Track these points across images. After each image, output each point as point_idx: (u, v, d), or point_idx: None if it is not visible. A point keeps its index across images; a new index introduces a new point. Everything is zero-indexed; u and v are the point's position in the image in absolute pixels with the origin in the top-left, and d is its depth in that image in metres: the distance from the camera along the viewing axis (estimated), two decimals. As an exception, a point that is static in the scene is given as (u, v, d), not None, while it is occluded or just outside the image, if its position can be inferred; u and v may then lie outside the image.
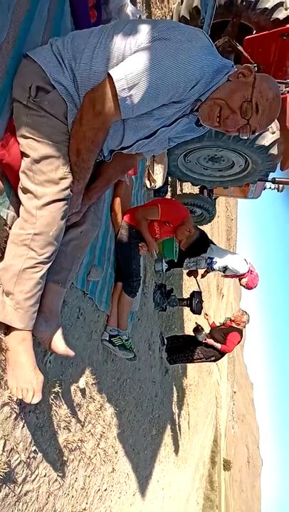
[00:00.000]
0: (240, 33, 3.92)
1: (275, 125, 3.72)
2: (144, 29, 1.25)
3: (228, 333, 5.02)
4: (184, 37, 1.21)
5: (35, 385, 1.32)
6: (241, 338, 5.16)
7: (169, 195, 5.51)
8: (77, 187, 1.35)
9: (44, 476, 1.74)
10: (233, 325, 5.08)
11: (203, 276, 5.27)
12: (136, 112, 1.26)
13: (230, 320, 5.17)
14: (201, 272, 5.25)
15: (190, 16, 4.02)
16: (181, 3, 4.12)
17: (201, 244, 3.51)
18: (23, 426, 1.52)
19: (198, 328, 5.09)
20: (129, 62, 1.20)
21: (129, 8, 2.15)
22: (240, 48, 3.83)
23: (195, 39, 1.23)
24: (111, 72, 1.20)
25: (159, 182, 4.17)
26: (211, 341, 5.03)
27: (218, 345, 5.02)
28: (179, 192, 6.49)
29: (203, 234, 3.51)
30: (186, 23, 4.00)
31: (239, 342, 5.20)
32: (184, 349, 5.28)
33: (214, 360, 5.52)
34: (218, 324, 5.45)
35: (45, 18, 1.48)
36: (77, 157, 1.30)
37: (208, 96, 1.30)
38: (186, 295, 6.50)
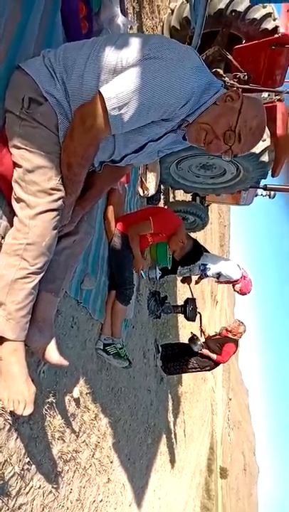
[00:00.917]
0: (229, 42, 3.98)
1: (265, 133, 3.76)
2: (136, 45, 1.27)
3: (223, 343, 4.98)
4: (174, 56, 1.23)
5: (26, 396, 1.31)
6: (237, 348, 5.11)
7: (161, 203, 5.53)
8: (69, 200, 1.36)
9: (38, 487, 1.71)
10: (229, 335, 5.04)
11: (197, 282, 5.28)
12: (126, 128, 1.28)
13: (227, 330, 5.13)
14: (194, 278, 5.26)
15: (180, 26, 4.08)
16: (172, 14, 4.18)
17: (194, 254, 3.53)
18: (17, 437, 1.50)
19: (193, 338, 5.05)
20: (120, 81, 1.22)
21: (120, 19, 2.17)
22: (230, 56, 3.88)
23: (186, 58, 1.25)
24: (102, 90, 1.21)
25: (151, 190, 4.19)
26: (206, 352, 4.99)
27: (214, 356, 4.98)
28: (171, 199, 6.52)
29: (196, 243, 3.52)
30: (177, 33, 4.07)
31: (234, 353, 5.16)
32: (178, 358, 5.25)
33: (209, 370, 5.49)
34: (213, 333, 5.42)
35: (36, 29, 1.49)
36: (69, 171, 1.31)
37: (195, 119, 1.32)
38: (180, 302, 6.50)
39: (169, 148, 1.53)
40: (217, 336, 5.19)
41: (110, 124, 1.24)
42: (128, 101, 1.21)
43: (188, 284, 5.24)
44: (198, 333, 5.30)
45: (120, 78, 1.23)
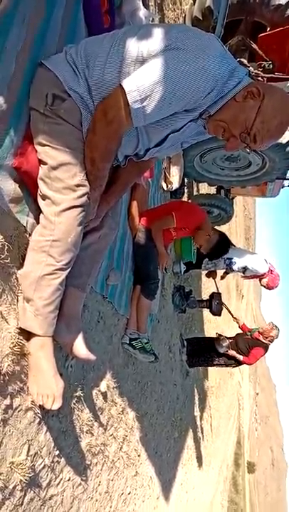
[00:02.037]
0: (254, 31, 3.88)
1: (292, 122, 3.67)
2: (157, 35, 1.24)
3: (253, 346, 4.87)
4: (196, 46, 1.20)
5: (55, 391, 1.34)
6: (265, 353, 4.99)
7: (185, 197, 5.48)
8: (93, 195, 1.36)
9: (68, 480, 1.75)
10: (261, 338, 4.92)
11: (222, 277, 5.21)
12: (148, 120, 1.27)
13: (259, 332, 5.01)
14: (220, 273, 5.20)
15: (203, 16, 4.00)
16: (194, 4, 4.11)
17: (222, 246, 3.46)
18: (47, 431, 1.53)
19: (219, 339, 4.97)
20: (142, 73, 1.20)
21: (142, 12, 2.15)
22: (254, 46, 3.79)
23: (208, 47, 1.21)
24: (123, 83, 1.20)
25: (175, 184, 4.16)
26: (232, 353, 4.89)
27: (240, 357, 4.89)
28: (195, 193, 6.46)
29: (222, 236, 3.46)
30: (199, 24, 4.00)
31: (262, 356, 5.06)
32: (204, 353, 5.20)
33: (234, 367, 5.43)
34: (248, 327, 5.32)
35: (59, 26, 1.49)
36: (92, 166, 1.31)
37: (213, 115, 1.30)
38: (205, 296, 6.45)
39: (192, 139, 1.51)
40: (248, 337, 5.08)
41: (132, 117, 1.23)
42: (150, 93, 1.19)
43: (214, 278, 5.19)
44: (225, 328, 5.24)
45: (142, 70, 1.21)
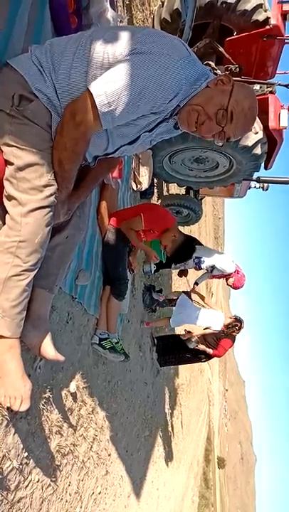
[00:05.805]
0: (221, 34, 3.96)
1: (257, 125, 3.77)
2: (123, 39, 1.26)
3: (220, 338, 5.00)
4: (161, 50, 1.23)
5: (23, 392, 1.33)
6: (233, 344, 5.09)
7: (155, 197, 5.52)
8: (60, 196, 1.36)
9: (37, 481, 1.74)
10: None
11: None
12: (116, 123, 1.29)
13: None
14: (191, 271, 5.25)
15: (171, 19, 4.05)
16: (162, 6, 4.15)
17: (186, 250, 3.49)
18: (15, 432, 1.52)
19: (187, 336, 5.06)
20: (108, 77, 1.22)
21: (110, 14, 2.15)
22: (221, 49, 3.87)
23: (173, 51, 1.24)
24: (90, 87, 1.22)
25: (145, 184, 4.19)
26: (202, 347, 4.96)
27: (210, 351, 4.97)
28: (165, 193, 6.52)
29: (188, 239, 3.49)
30: (168, 26, 4.04)
31: (231, 347, 5.17)
32: (174, 350, 5.27)
33: (204, 361, 5.53)
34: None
35: (25, 25, 1.48)
36: (60, 167, 1.31)
37: (187, 102, 1.33)
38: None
39: (160, 137, 1.54)
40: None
41: (101, 120, 1.25)
42: (117, 97, 1.21)
43: (186, 276, 5.25)
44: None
45: (108, 74, 1.23)
